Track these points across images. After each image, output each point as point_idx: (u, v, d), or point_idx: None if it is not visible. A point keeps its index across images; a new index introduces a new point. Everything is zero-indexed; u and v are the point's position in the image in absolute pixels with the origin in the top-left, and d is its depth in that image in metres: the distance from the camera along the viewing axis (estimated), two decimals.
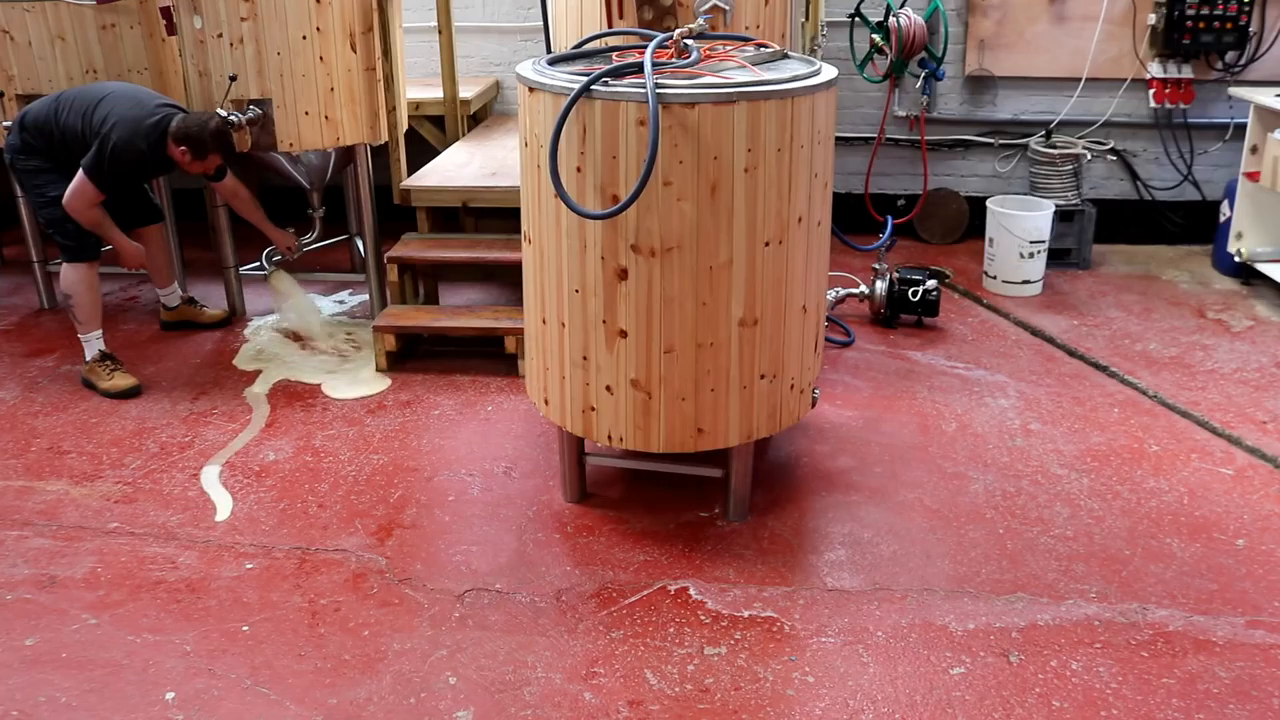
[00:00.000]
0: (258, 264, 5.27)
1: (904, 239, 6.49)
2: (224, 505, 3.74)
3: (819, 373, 3.70)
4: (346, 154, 5.22)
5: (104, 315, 4.72)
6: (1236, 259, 5.68)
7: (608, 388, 3.35)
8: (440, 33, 5.91)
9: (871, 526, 3.57)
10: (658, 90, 2.99)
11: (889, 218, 5.53)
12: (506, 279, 5.68)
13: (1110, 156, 6.42)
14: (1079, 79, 6.21)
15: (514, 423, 4.31)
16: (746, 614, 3.14)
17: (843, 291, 5.31)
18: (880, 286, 5.23)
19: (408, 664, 2.95)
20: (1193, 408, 4.36)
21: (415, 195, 5.14)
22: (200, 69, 4.88)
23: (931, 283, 5.13)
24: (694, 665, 2.93)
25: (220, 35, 4.76)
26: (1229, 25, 5.93)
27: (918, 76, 6.16)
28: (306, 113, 4.88)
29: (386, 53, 5.03)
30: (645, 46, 3.33)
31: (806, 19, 4.88)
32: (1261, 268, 5.59)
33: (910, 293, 5.14)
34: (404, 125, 5.34)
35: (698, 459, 3.57)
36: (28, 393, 4.62)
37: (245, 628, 3.10)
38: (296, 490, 3.83)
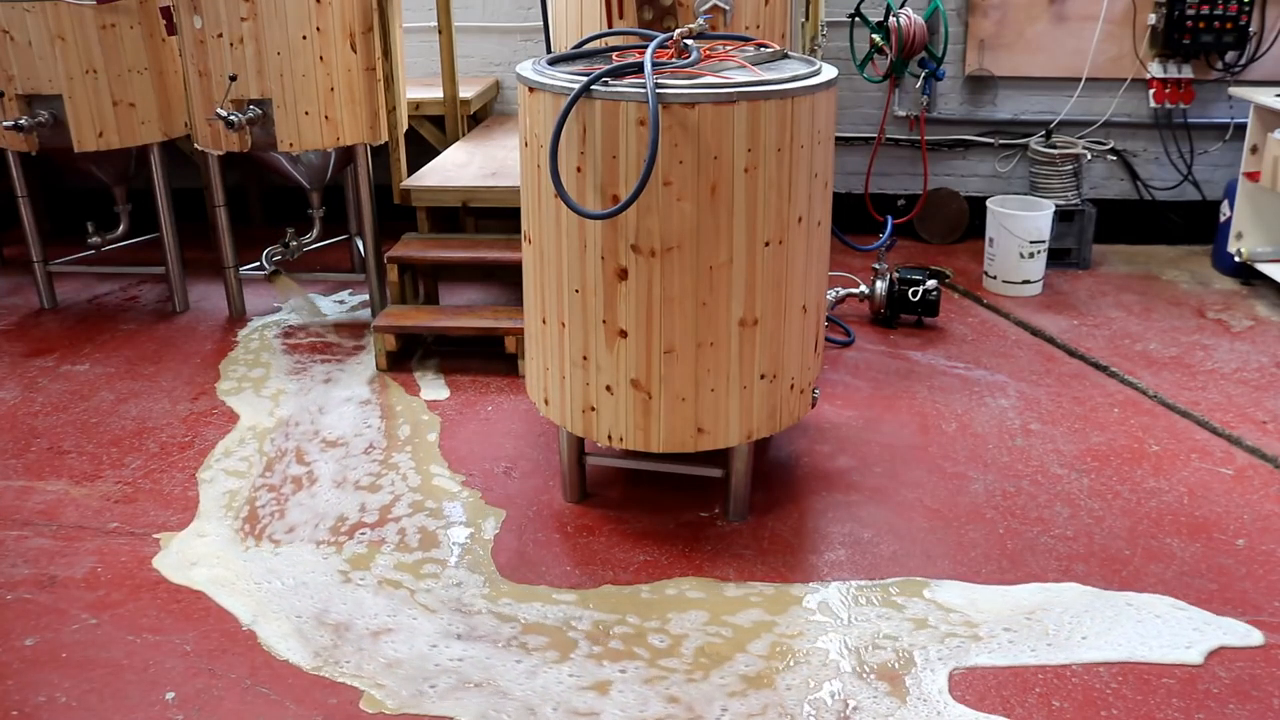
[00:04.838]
0: (258, 264, 5.27)
1: (904, 239, 6.49)
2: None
3: (819, 373, 3.70)
4: (346, 154, 5.22)
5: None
6: (1236, 259, 5.68)
7: (608, 388, 3.35)
8: (440, 33, 5.91)
9: (871, 526, 3.58)
10: (658, 90, 2.99)
11: (889, 218, 5.53)
12: (506, 279, 5.69)
13: (1110, 156, 6.42)
14: (1079, 79, 6.21)
15: (514, 423, 4.31)
16: None
17: (843, 291, 5.31)
18: (880, 286, 5.23)
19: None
20: (1193, 408, 4.36)
21: (415, 195, 5.14)
22: (200, 69, 4.88)
23: (931, 283, 5.14)
24: None
25: (220, 35, 4.76)
26: (1229, 25, 5.93)
27: (918, 76, 6.16)
28: (306, 113, 4.88)
29: (386, 53, 5.03)
30: (645, 46, 3.34)
31: (806, 19, 4.88)
32: (1261, 268, 5.59)
33: (910, 293, 5.14)
34: (404, 125, 5.34)
35: (698, 459, 3.58)
36: (28, 393, 4.62)
37: (245, 627, 3.10)
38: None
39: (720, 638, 3.02)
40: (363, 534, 3.55)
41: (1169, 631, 3.02)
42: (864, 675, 2.87)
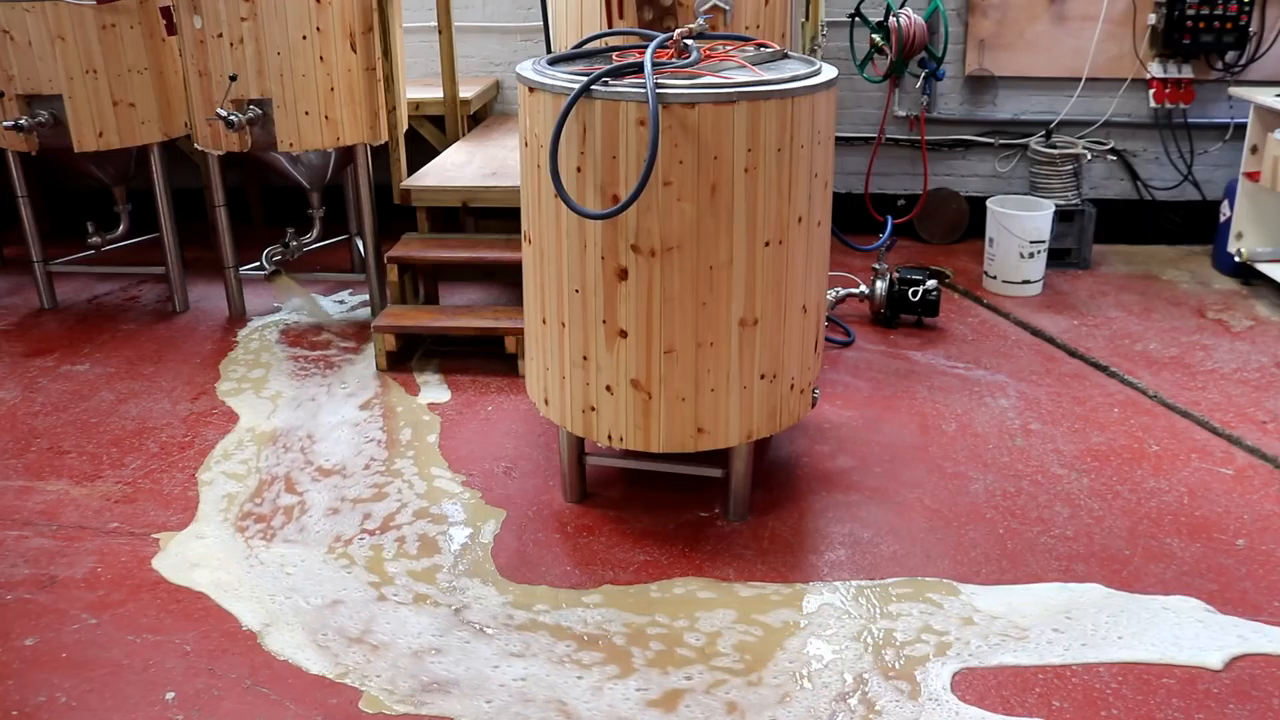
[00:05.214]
0: (258, 264, 5.27)
1: (904, 239, 6.49)
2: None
3: (819, 373, 3.70)
4: (346, 154, 5.22)
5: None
6: (1236, 259, 5.68)
7: (608, 388, 3.35)
8: (440, 33, 5.91)
9: (871, 526, 3.57)
10: (658, 90, 2.99)
11: (889, 218, 5.53)
12: (506, 279, 5.69)
13: (1110, 156, 6.41)
14: (1079, 79, 6.21)
15: (514, 423, 4.31)
16: None
17: (843, 291, 5.31)
18: (880, 286, 5.23)
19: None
20: (1193, 408, 4.36)
21: (415, 195, 5.14)
22: (200, 69, 4.88)
23: (931, 283, 5.13)
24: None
25: (220, 35, 4.76)
26: (1229, 25, 5.93)
27: (918, 76, 6.16)
28: (306, 113, 4.88)
29: (386, 53, 5.03)
30: (645, 46, 3.34)
31: (806, 19, 4.88)
32: (1261, 268, 5.59)
33: (910, 293, 5.14)
34: (404, 125, 5.34)
35: (698, 459, 3.57)
36: (28, 393, 4.62)
37: (245, 627, 3.10)
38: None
39: (752, 636, 3.02)
40: (364, 538, 3.55)
41: (1206, 635, 3.02)
42: (873, 676, 2.87)
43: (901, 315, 5.24)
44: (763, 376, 3.36)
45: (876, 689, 2.82)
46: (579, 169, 3.16)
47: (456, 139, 6.04)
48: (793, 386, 3.48)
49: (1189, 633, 3.02)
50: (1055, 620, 3.08)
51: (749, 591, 3.23)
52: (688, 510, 3.67)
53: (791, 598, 3.20)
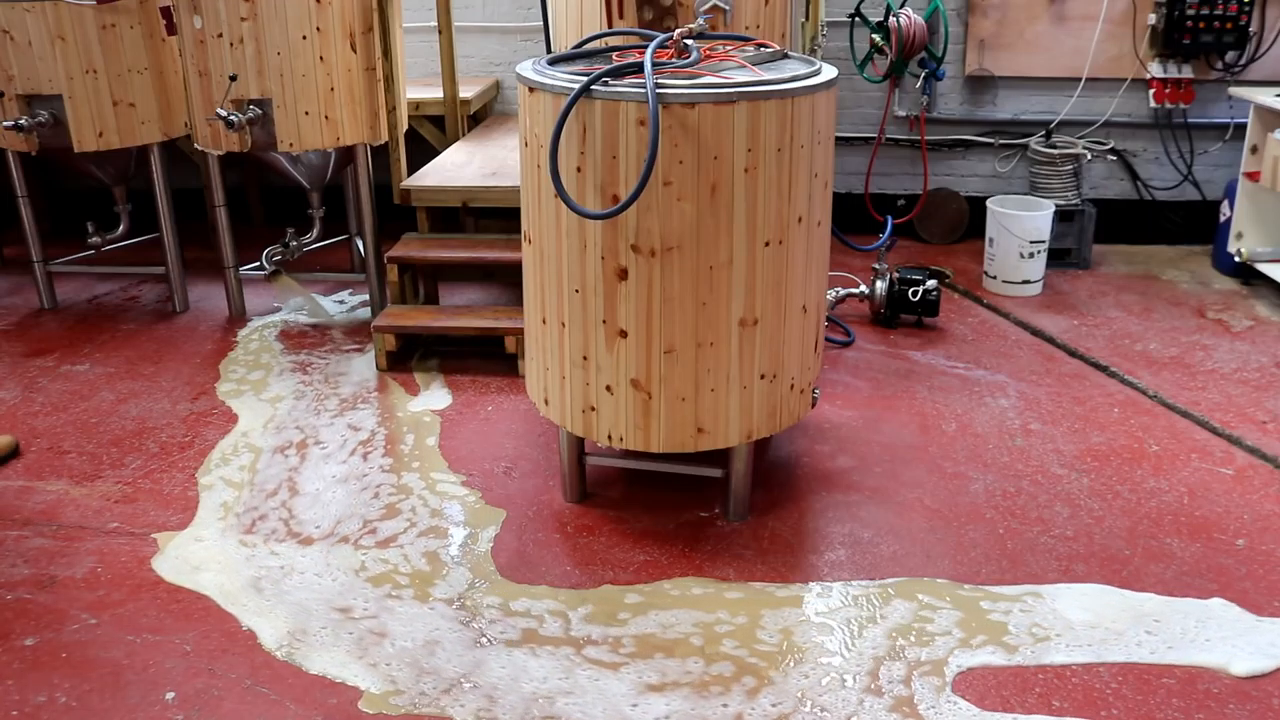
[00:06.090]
0: (258, 264, 5.27)
1: (904, 239, 6.49)
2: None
3: (819, 373, 3.70)
4: (346, 154, 5.22)
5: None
6: (1236, 259, 5.69)
7: (608, 388, 3.35)
8: (440, 33, 5.91)
9: (872, 526, 3.58)
10: (658, 90, 2.99)
11: (889, 218, 5.53)
12: (506, 279, 5.69)
13: (1110, 156, 6.42)
14: (1079, 79, 6.21)
15: (514, 423, 4.31)
16: None
17: (843, 291, 5.31)
18: (880, 286, 5.23)
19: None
20: (1193, 408, 4.36)
21: (415, 195, 5.14)
22: (200, 69, 4.88)
23: (931, 283, 5.14)
24: None
25: (220, 35, 4.76)
26: (1229, 25, 5.93)
27: (918, 76, 6.16)
28: (306, 113, 4.88)
29: (386, 53, 5.03)
30: (645, 46, 3.34)
31: (806, 19, 4.88)
32: (1261, 268, 5.59)
33: (910, 293, 5.14)
34: (404, 125, 5.34)
35: (698, 459, 3.58)
36: (28, 393, 4.62)
37: (245, 627, 3.10)
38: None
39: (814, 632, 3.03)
40: (365, 540, 3.55)
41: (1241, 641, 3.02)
42: (880, 679, 2.87)
43: (901, 315, 5.25)
44: (763, 376, 3.36)
45: (917, 690, 2.82)
46: (579, 169, 3.16)
47: (456, 139, 6.04)
48: (793, 386, 3.48)
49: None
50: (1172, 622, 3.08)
51: (775, 592, 3.23)
52: (688, 510, 3.67)
53: (793, 597, 3.20)
